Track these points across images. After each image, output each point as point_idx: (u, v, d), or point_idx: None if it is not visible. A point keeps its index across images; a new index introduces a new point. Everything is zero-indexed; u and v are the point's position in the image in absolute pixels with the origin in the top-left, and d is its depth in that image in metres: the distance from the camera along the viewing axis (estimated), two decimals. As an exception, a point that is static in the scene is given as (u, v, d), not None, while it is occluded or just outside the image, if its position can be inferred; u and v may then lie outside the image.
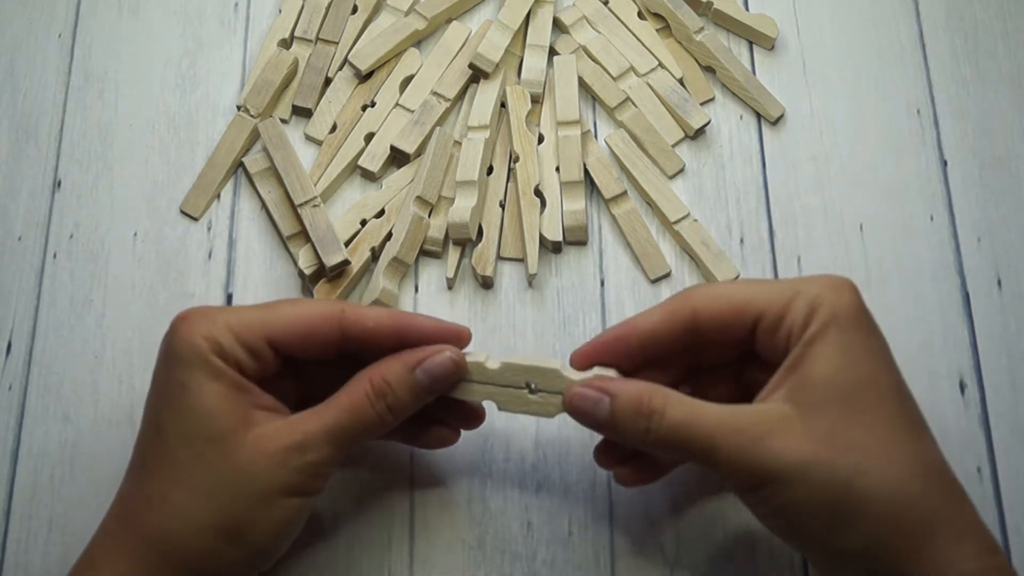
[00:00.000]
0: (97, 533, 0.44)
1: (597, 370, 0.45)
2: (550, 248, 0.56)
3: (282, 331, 0.44)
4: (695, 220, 0.56)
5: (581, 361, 0.46)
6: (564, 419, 0.52)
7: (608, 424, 0.43)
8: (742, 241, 0.56)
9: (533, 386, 0.45)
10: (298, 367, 0.46)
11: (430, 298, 0.55)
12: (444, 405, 0.47)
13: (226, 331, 0.43)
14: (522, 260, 0.55)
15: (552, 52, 0.59)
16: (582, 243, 0.56)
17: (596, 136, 0.58)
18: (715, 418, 0.42)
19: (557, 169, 0.56)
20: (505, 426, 0.52)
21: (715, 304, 0.45)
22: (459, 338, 0.46)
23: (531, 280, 0.55)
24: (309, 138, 0.58)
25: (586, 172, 0.56)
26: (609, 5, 0.61)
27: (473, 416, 0.48)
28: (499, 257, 0.55)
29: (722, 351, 0.47)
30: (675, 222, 0.55)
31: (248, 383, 0.44)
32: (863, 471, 0.40)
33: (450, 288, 0.55)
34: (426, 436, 0.48)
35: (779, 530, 0.43)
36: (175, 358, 0.43)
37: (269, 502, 0.42)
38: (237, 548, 0.42)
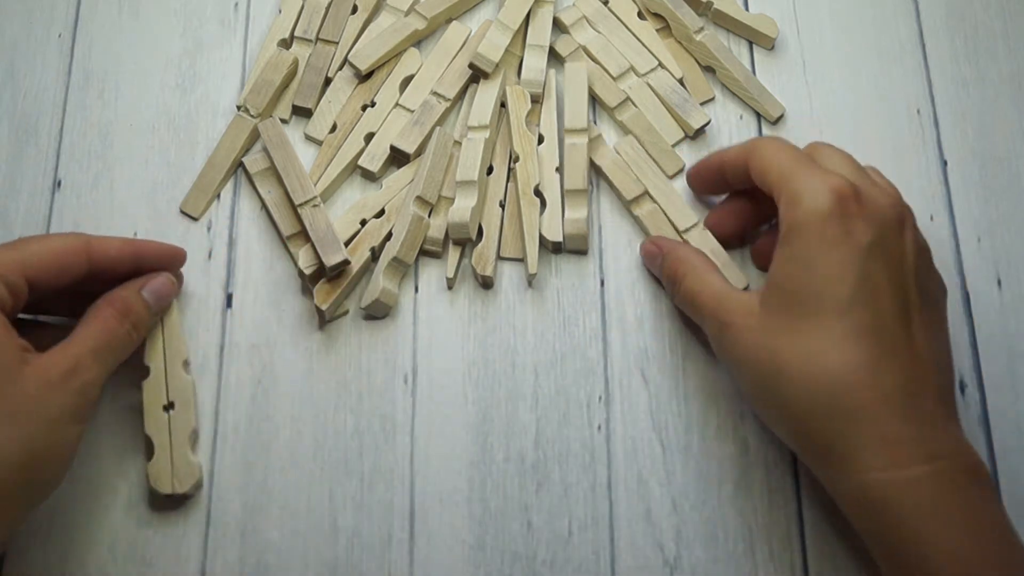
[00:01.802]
0: None
1: None
2: (550, 248, 0.56)
3: (38, 267, 0.47)
4: (704, 229, 0.55)
5: (691, 179, 0.56)
6: (566, 419, 0.52)
7: (661, 275, 0.54)
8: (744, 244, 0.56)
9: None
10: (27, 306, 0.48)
11: (430, 298, 0.55)
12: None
13: None
14: (522, 260, 0.55)
15: (552, 52, 0.59)
16: (582, 252, 0.56)
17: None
18: (711, 296, 0.49)
19: (557, 169, 0.56)
20: (505, 426, 0.52)
21: (753, 160, 0.49)
22: (176, 256, 0.53)
23: (531, 280, 0.55)
24: (309, 138, 0.58)
25: (596, 176, 0.56)
26: (609, 5, 0.61)
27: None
28: (499, 257, 0.55)
29: None
30: (684, 231, 0.55)
31: (8, 323, 0.45)
32: (787, 374, 0.45)
33: (450, 288, 0.55)
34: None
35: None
36: None
37: (59, 429, 0.43)
38: (29, 479, 0.42)
